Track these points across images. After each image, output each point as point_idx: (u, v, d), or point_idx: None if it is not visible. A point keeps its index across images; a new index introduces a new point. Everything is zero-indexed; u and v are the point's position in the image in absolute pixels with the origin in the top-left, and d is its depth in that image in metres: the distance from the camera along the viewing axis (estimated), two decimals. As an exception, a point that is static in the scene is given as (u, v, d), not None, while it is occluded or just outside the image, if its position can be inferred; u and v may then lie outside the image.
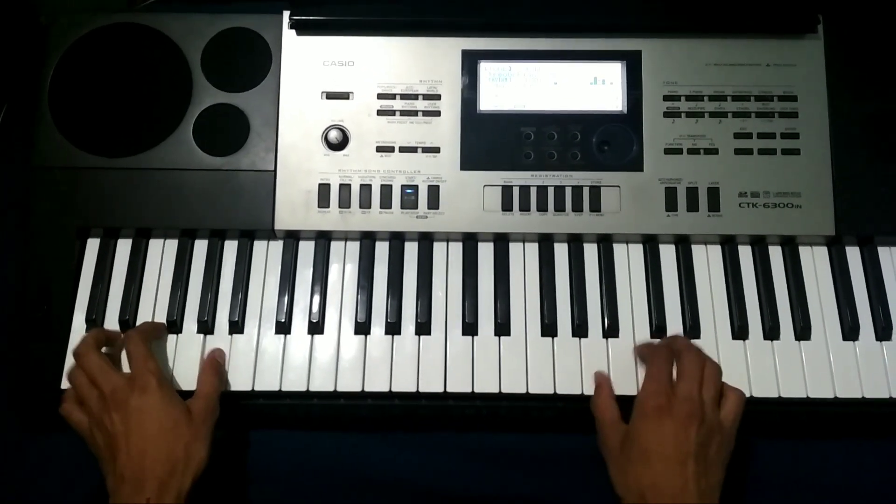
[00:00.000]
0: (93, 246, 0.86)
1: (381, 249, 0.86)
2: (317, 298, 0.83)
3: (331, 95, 0.87)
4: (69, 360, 0.79)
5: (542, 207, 0.85)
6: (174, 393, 0.75)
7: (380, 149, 0.86)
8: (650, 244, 0.86)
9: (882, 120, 0.86)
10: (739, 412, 0.75)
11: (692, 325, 0.82)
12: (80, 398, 0.75)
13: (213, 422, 0.75)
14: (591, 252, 0.86)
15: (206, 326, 0.82)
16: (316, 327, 0.83)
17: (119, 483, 0.69)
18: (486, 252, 0.86)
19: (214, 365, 0.79)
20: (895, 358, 0.82)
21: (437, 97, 0.86)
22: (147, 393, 0.72)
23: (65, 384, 0.79)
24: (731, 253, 0.85)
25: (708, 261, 0.86)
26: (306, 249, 0.86)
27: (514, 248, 0.86)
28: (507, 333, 0.82)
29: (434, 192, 0.85)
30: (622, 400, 0.78)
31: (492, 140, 0.86)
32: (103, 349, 0.79)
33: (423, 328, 0.82)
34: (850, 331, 0.82)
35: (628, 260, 0.85)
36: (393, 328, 0.82)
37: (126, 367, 0.77)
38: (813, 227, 0.84)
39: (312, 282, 0.84)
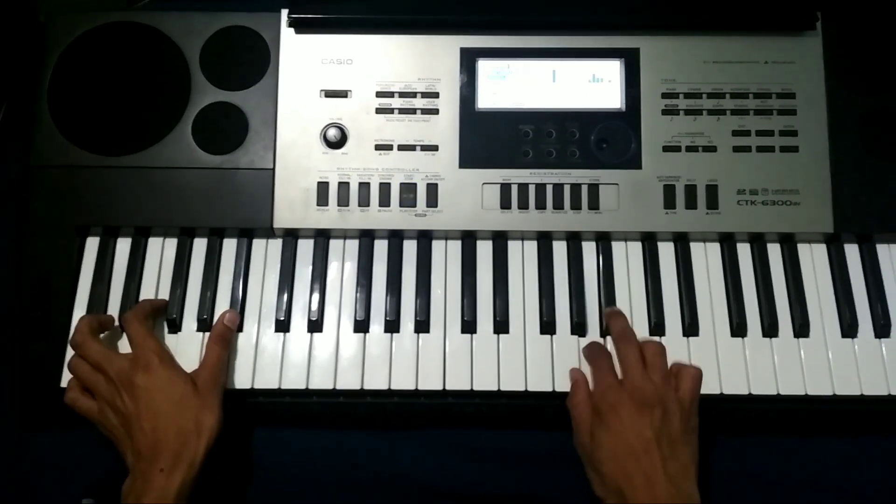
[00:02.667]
0: (92, 244, 0.86)
1: (380, 247, 0.86)
2: (316, 297, 0.83)
3: (329, 94, 0.87)
4: (69, 359, 0.79)
5: (540, 205, 0.85)
6: (177, 367, 0.77)
7: (378, 147, 0.86)
8: (649, 242, 0.86)
9: (880, 117, 0.86)
10: (697, 389, 0.75)
11: (691, 323, 0.82)
12: (87, 385, 0.77)
13: (221, 389, 0.77)
14: (589, 250, 0.86)
15: (205, 325, 0.83)
16: (315, 325, 0.83)
17: (136, 459, 0.72)
18: (484, 250, 0.86)
19: (221, 334, 0.80)
20: (894, 355, 0.82)
21: (436, 95, 0.86)
22: (151, 371, 0.74)
23: (65, 380, 0.80)
24: (729, 250, 0.86)
25: (706, 258, 0.86)
26: (305, 248, 0.86)
27: (513, 246, 0.86)
28: (506, 331, 0.82)
29: (433, 190, 0.85)
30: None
31: (490, 138, 0.86)
32: (101, 336, 0.80)
33: (422, 326, 0.82)
34: (848, 328, 0.82)
35: (627, 258, 0.85)
36: (392, 326, 0.82)
37: (125, 349, 0.79)
38: (811, 224, 0.84)
39: (311, 280, 0.84)
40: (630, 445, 0.71)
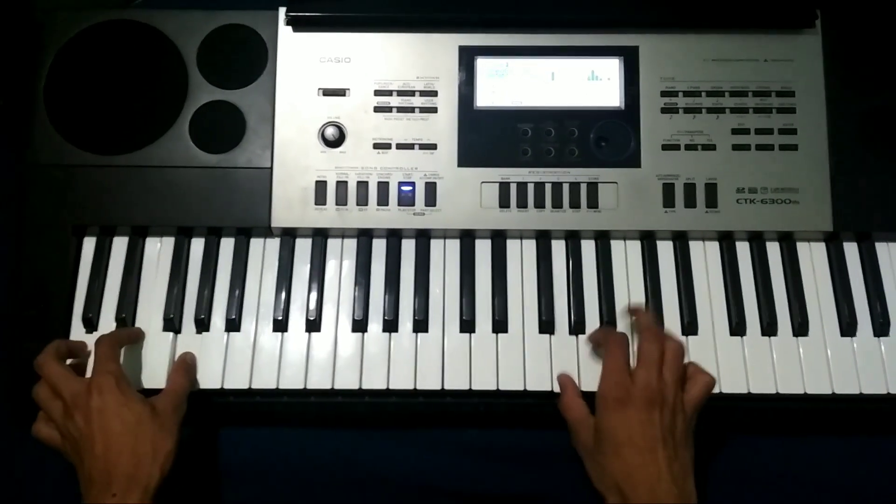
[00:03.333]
0: (89, 244, 0.86)
1: (379, 246, 0.86)
2: (314, 296, 0.83)
3: (327, 92, 0.86)
4: (33, 364, 0.77)
5: (539, 204, 0.84)
6: (134, 390, 0.74)
7: (377, 145, 0.85)
8: (648, 241, 0.86)
9: (880, 115, 0.86)
10: (704, 398, 0.75)
11: (690, 322, 0.82)
12: (45, 411, 0.75)
13: (180, 417, 0.75)
14: (588, 249, 0.85)
15: (203, 324, 0.82)
16: (313, 325, 0.82)
17: (89, 485, 0.70)
18: (483, 249, 0.85)
19: (184, 365, 0.79)
20: (893, 354, 0.82)
21: (434, 94, 0.86)
22: (105, 392, 0.72)
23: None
24: (728, 249, 0.85)
25: (706, 257, 0.86)
26: (303, 247, 0.86)
27: (512, 245, 0.86)
28: (505, 330, 0.82)
29: (431, 188, 0.84)
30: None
31: (489, 136, 0.85)
32: (69, 361, 0.79)
33: (421, 325, 0.82)
34: (847, 327, 0.82)
35: (626, 256, 0.85)
36: (390, 326, 0.82)
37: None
38: (811, 223, 0.84)
39: (309, 279, 0.84)
40: (635, 443, 0.70)
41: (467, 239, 0.86)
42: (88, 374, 0.77)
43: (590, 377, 0.79)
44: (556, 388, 0.79)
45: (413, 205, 0.84)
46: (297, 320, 0.83)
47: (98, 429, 0.70)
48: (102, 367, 0.74)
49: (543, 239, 0.86)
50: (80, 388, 0.73)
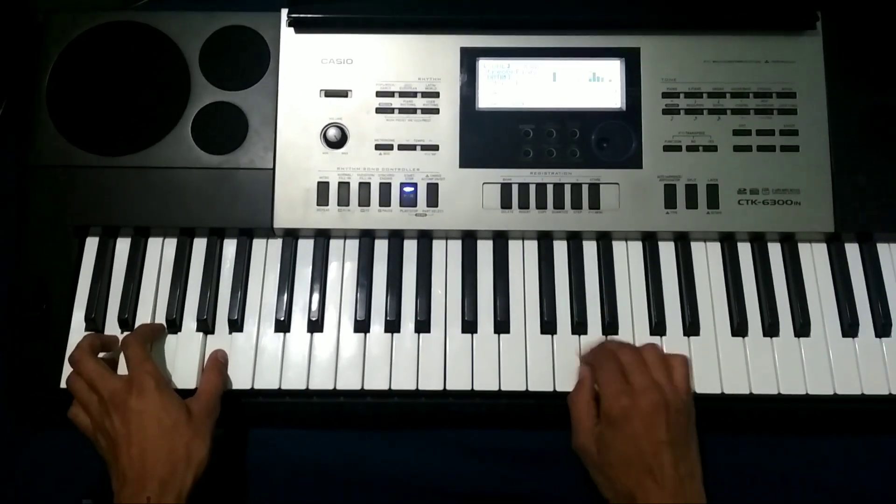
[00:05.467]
0: (91, 244, 0.86)
1: (381, 247, 0.86)
2: (316, 297, 0.83)
3: (329, 93, 0.86)
4: (67, 375, 0.79)
5: (541, 205, 0.84)
6: (173, 393, 0.75)
7: (379, 147, 0.85)
8: (649, 241, 0.86)
9: (881, 116, 0.86)
10: (689, 375, 0.76)
11: (691, 322, 0.82)
12: (81, 403, 0.75)
13: (214, 421, 0.75)
14: (590, 249, 0.86)
15: (205, 325, 0.82)
16: (315, 325, 0.82)
17: (122, 484, 0.70)
18: (485, 250, 0.86)
19: (217, 364, 0.79)
20: (894, 354, 0.82)
21: (436, 95, 0.86)
22: (145, 394, 0.72)
23: (64, 381, 0.79)
24: (730, 250, 0.85)
25: (707, 258, 0.86)
26: (305, 248, 0.86)
27: (514, 246, 0.86)
28: (507, 331, 0.82)
29: (433, 189, 0.85)
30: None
31: (491, 138, 0.86)
32: (101, 354, 0.79)
33: (423, 326, 0.82)
34: (849, 327, 0.82)
35: (627, 257, 0.85)
36: (392, 326, 0.82)
37: (124, 370, 0.77)
38: (812, 223, 0.84)
39: (312, 280, 0.84)
40: (642, 450, 0.70)
41: (469, 240, 0.86)
42: (120, 369, 0.78)
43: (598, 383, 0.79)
44: (559, 388, 0.79)
45: (415, 206, 0.84)
46: (299, 321, 0.83)
47: (136, 430, 0.71)
48: (141, 367, 0.75)
49: (545, 240, 0.86)
50: (119, 386, 0.73)
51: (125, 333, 0.81)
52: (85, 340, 0.78)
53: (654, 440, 0.70)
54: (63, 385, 0.79)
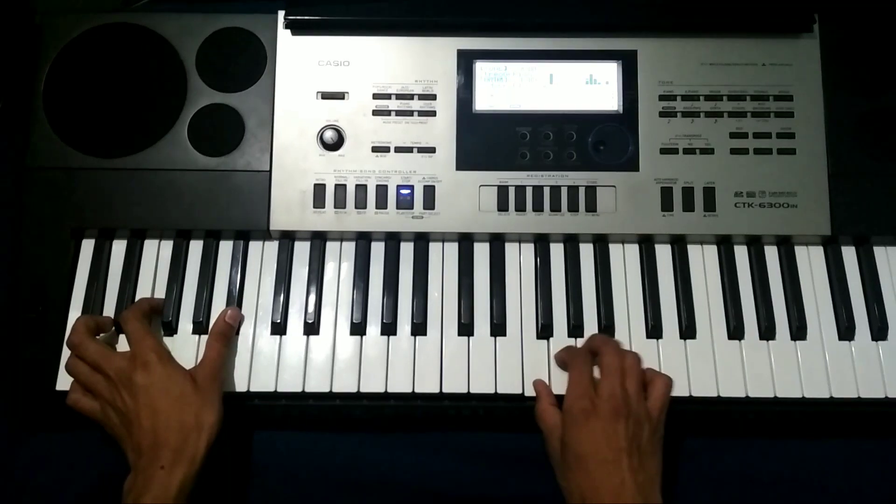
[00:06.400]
0: (88, 247, 0.86)
1: (377, 250, 0.86)
2: (312, 299, 0.83)
3: (326, 95, 0.86)
4: (65, 361, 0.79)
5: (537, 208, 0.84)
6: (176, 364, 0.76)
7: (375, 149, 0.85)
8: (646, 244, 0.86)
9: (878, 119, 0.86)
10: (667, 398, 0.76)
11: (688, 325, 0.82)
12: (87, 385, 0.77)
13: (220, 386, 0.77)
14: (587, 252, 0.85)
15: (201, 327, 0.82)
16: (312, 328, 0.82)
17: (137, 456, 0.72)
18: (481, 252, 0.85)
19: (221, 330, 0.80)
20: (891, 358, 0.82)
21: (433, 97, 0.86)
22: (149, 369, 0.74)
23: (61, 382, 0.80)
24: (727, 253, 0.85)
25: (704, 261, 0.86)
26: (302, 250, 0.86)
27: (510, 249, 0.86)
28: (503, 334, 0.82)
29: (430, 192, 0.85)
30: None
31: (487, 140, 0.86)
32: (99, 336, 0.80)
33: (419, 329, 0.82)
34: (845, 331, 0.82)
35: (624, 260, 0.85)
36: (389, 329, 0.82)
37: (123, 348, 0.79)
38: (809, 226, 0.84)
39: (308, 282, 0.84)
40: (600, 454, 0.70)
41: (466, 242, 0.86)
42: (119, 347, 0.80)
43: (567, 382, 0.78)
44: (556, 391, 0.79)
45: (411, 208, 0.84)
46: (295, 323, 0.83)
47: (144, 405, 0.73)
48: (142, 342, 0.76)
49: (542, 242, 0.86)
50: (123, 364, 0.75)
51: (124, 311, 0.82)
52: (79, 323, 0.79)
53: (613, 446, 0.70)
54: (60, 387, 0.80)
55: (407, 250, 0.86)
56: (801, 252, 0.86)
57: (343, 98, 0.86)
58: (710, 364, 0.81)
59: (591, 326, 0.83)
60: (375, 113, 0.86)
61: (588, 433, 0.71)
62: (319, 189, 0.85)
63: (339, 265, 0.85)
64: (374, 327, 0.83)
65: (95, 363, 0.76)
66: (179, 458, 0.71)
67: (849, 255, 0.86)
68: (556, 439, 0.74)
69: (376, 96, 0.86)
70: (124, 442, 0.74)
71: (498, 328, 0.82)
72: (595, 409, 0.72)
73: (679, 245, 0.86)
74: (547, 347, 0.82)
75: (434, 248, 0.86)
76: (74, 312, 0.83)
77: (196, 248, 0.86)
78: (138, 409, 0.73)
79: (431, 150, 0.85)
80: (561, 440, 0.74)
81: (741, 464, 0.81)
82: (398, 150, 0.85)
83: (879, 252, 0.86)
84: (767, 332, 0.82)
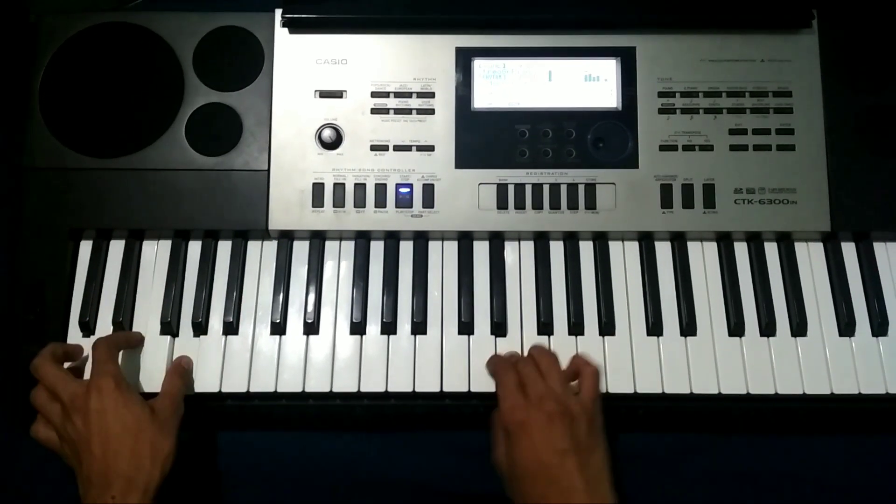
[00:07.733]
0: (86, 247, 0.85)
1: (376, 249, 0.85)
2: (312, 298, 0.83)
3: (324, 94, 0.86)
4: (29, 368, 0.77)
5: (537, 205, 0.84)
6: (134, 392, 0.74)
7: (374, 147, 0.85)
8: (646, 241, 0.86)
9: (877, 115, 0.86)
10: (597, 387, 0.75)
11: (688, 322, 0.82)
12: (44, 415, 0.75)
13: (178, 419, 0.75)
14: (586, 250, 0.85)
15: (200, 327, 0.82)
16: (311, 327, 0.82)
17: (88, 486, 0.69)
18: (481, 251, 0.85)
19: (179, 368, 0.79)
20: (891, 353, 0.82)
21: (432, 95, 0.86)
22: (104, 394, 0.72)
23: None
24: (726, 249, 0.85)
25: (704, 258, 0.85)
26: (301, 249, 0.85)
27: (510, 247, 0.85)
28: (504, 332, 0.82)
29: (429, 190, 0.84)
30: (618, 398, 0.79)
31: (486, 138, 0.85)
32: (66, 364, 0.79)
33: (419, 328, 0.82)
34: (846, 327, 0.82)
35: (624, 257, 0.85)
36: (388, 328, 0.82)
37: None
38: (808, 222, 0.84)
39: (307, 282, 0.84)
40: (543, 462, 0.69)
41: (465, 240, 0.86)
42: (86, 376, 0.77)
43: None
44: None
45: (411, 207, 0.84)
46: (295, 323, 0.83)
47: (97, 430, 0.70)
48: (101, 368, 0.74)
49: (541, 240, 0.86)
50: (79, 389, 0.72)
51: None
52: (47, 349, 0.77)
53: (554, 450, 0.69)
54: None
55: (406, 249, 0.85)
56: (800, 248, 0.86)
57: (341, 97, 0.86)
58: (711, 361, 0.81)
59: (591, 324, 0.83)
60: (374, 111, 0.86)
61: (528, 442, 0.70)
62: (318, 188, 0.84)
63: (339, 264, 0.85)
64: (373, 326, 0.82)
65: (52, 387, 0.74)
66: (131, 488, 0.68)
67: (848, 251, 0.86)
68: (500, 451, 0.73)
69: (375, 94, 0.86)
70: (76, 472, 0.71)
71: (498, 327, 0.82)
72: (530, 417, 0.71)
73: (679, 242, 0.86)
74: (548, 346, 0.81)
75: (434, 247, 0.86)
76: (73, 314, 0.83)
77: (195, 248, 0.86)
78: (90, 435, 0.70)
79: (430, 148, 0.85)
80: (506, 454, 0.72)
81: (742, 460, 0.81)
82: (397, 148, 0.85)
83: (879, 248, 0.86)
84: (768, 328, 0.82)
